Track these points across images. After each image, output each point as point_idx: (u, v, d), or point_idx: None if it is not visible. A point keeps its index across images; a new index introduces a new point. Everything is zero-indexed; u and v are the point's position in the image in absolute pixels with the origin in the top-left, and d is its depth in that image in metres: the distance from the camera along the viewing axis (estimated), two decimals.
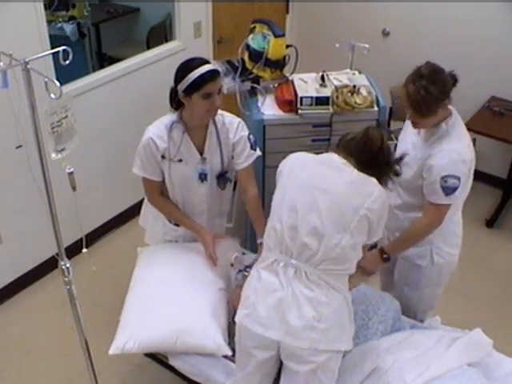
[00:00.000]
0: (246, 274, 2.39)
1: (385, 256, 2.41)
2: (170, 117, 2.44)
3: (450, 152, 2.23)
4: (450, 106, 2.29)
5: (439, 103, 2.19)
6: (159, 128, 2.42)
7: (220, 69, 2.44)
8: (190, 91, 2.28)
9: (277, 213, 1.99)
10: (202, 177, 2.50)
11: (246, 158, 2.51)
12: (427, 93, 2.15)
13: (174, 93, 2.38)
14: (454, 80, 2.23)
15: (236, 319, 2.05)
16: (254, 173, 2.59)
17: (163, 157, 2.44)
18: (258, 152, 2.57)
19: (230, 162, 2.55)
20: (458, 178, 2.22)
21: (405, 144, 2.45)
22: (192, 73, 2.26)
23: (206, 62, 2.32)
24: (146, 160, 2.44)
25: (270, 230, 2.01)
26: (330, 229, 1.88)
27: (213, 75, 2.27)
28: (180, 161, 2.45)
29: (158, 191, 2.56)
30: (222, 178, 2.57)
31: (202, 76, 2.25)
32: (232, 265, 2.50)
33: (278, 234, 1.95)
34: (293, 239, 1.92)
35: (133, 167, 2.49)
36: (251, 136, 2.54)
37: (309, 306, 1.89)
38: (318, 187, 1.93)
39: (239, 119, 2.54)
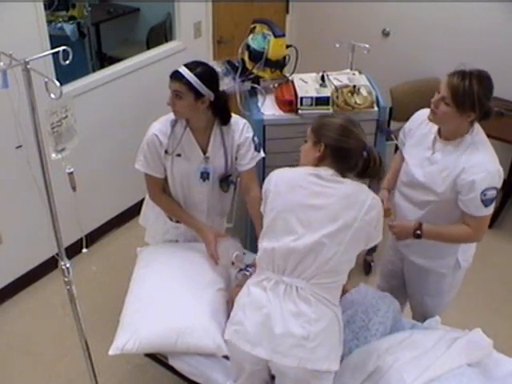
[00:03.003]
0: (247, 273, 2.39)
1: (417, 233, 2.29)
2: None
3: (485, 165, 2.16)
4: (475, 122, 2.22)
5: (469, 107, 2.11)
6: (163, 124, 2.45)
7: (220, 69, 2.44)
8: None
9: (269, 236, 1.96)
10: (204, 176, 2.50)
11: (251, 159, 2.53)
12: (470, 88, 2.09)
13: None
14: (490, 110, 2.17)
15: (225, 335, 2.03)
16: (257, 173, 2.60)
17: (166, 152, 2.45)
18: (262, 154, 2.58)
19: (233, 164, 2.56)
20: (496, 189, 2.18)
21: (415, 161, 2.35)
22: None
23: (192, 64, 2.34)
24: (150, 156, 2.45)
25: (262, 251, 1.99)
26: (325, 244, 1.86)
27: (173, 74, 2.33)
28: (179, 155, 2.46)
29: (160, 188, 2.57)
30: (225, 181, 2.58)
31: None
32: (233, 263, 2.49)
33: (269, 255, 1.93)
34: (286, 260, 1.89)
35: (135, 163, 2.50)
36: (255, 137, 2.55)
37: (297, 324, 1.86)
38: (309, 204, 1.90)
39: (244, 120, 2.54)
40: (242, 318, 1.95)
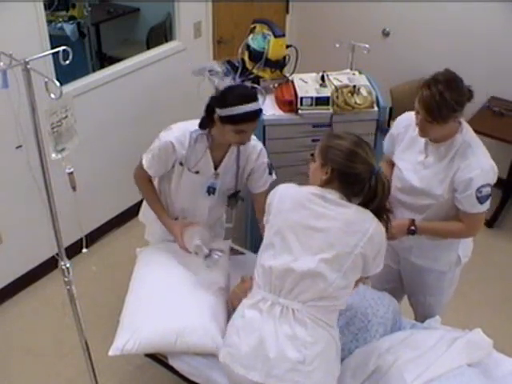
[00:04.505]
0: (216, 256, 2.38)
1: (412, 229, 2.30)
2: (196, 123, 2.39)
3: (479, 162, 2.18)
4: (462, 119, 2.22)
5: (451, 113, 2.10)
6: (183, 133, 2.38)
7: (220, 69, 2.42)
8: (226, 121, 2.23)
9: (268, 252, 1.93)
10: (210, 190, 2.49)
11: (264, 183, 2.53)
12: (442, 98, 2.07)
13: (210, 110, 2.29)
14: (470, 95, 2.14)
15: (220, 357, 2.00)
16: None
17: (181, 164, 2.41)
18: (274, 176, 2.56)
19: (242, 183, 2.55)
20: (490, 185, 2.20)
21: (408, 166, 2.35)
22: (238, 107, 2.19)
23: (256, 97, 2.25)
24: (158, 160, 2.43)
25: (259, 267, 1.96)
26: (323, 269, 1.83)
27: (256, 116, 2.24)
28: (197, 172, 2.43)
29: (148, 176, 2.54)
30: (233, 197, 2.57)
31: (245, 114, 2.19)
32: (196, 253, 2.45)
33: (267, 274, 1.91)
34: (283, 280, 1.87)
35: (144, 156, 2.46)
36: (269, 161, 2.54)
37: (292, 348, 1.83)
38: (311, 226, 1.86)
39: (261, 145, 2.52)
40: (236, 341, 1.93)
